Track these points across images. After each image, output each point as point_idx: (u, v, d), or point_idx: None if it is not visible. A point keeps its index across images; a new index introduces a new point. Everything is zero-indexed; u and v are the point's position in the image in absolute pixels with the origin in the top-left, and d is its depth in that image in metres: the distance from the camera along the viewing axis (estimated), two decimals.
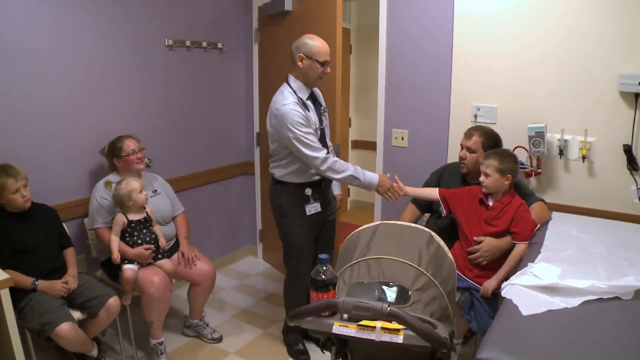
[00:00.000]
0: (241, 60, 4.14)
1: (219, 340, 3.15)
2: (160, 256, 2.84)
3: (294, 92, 2.64)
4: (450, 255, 1.90)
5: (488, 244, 2.43)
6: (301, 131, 2.54)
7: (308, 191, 2.76)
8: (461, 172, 2.75)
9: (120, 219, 2.75)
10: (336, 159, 2.64)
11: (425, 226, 2.81)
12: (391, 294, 1.65)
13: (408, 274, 1.69)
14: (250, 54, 4.12)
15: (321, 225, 2.93)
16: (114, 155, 2.93)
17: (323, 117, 2.78)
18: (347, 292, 1.66)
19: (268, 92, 3.97)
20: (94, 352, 2.67)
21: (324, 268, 1.46)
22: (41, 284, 2.48)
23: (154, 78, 3.45)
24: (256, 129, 4.21)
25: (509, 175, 2.43)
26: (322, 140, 2.70)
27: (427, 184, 2.91)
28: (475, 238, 2.46)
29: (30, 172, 2.58)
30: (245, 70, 4.17)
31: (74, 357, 2.71)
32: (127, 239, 2.76)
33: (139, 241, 2.77)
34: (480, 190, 2.53)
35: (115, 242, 2.73)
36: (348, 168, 2.62)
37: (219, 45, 3.86)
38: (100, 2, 3.05)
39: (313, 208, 2.78)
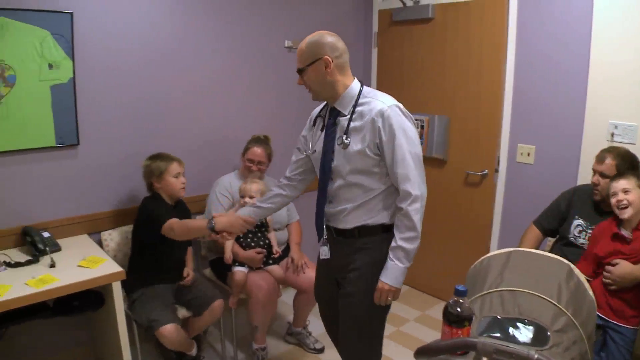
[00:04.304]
0: (359, 64, 4.07)
1: (321, 351, 3.09)
2: (270, 261, 2.84)
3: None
4: (591, 292, 1.70)
5: (623, 267, 2.18)
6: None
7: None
8: (594, 199, 2.50)
9: None
10: (273, 190, 2.29)
11: (550, 252, 2.59)
12: (527, 333, 1.48)
13: (547, 312, 1.52)
14: (369, 58, 4.04)
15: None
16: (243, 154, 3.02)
17: (336, 147, 2.00)
18: (477, 325, 1.52)
19: None
20: (193, 351, 2.71)
21: (461, 301, 1.33)
22: (219, 223, 2.19)
23: (273, 79, 3.49)
24: None
25: None
26: (324, 171, 2.06)
27: (556, 205, 2.67)
28: (609, 261, 2.23)
29: None
30: (364, 74, 4.08)
31: (173, 355, 2.76)
32: (241, 240, 2.78)
33: (252, 244, 2.78)
34: (609, 225, 2.28)
35: (229, 241, 2.74)
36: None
37: None
38: (228, 5, 3.17)
39: (322, 252, 2.10)
